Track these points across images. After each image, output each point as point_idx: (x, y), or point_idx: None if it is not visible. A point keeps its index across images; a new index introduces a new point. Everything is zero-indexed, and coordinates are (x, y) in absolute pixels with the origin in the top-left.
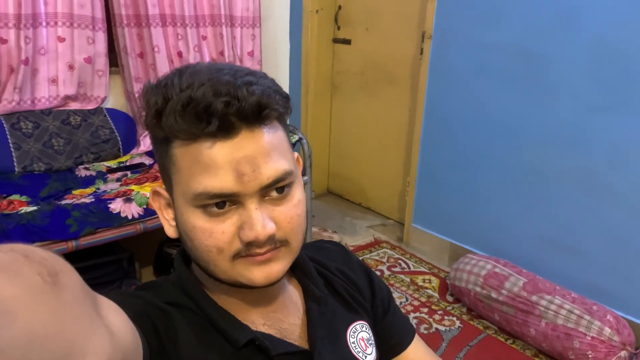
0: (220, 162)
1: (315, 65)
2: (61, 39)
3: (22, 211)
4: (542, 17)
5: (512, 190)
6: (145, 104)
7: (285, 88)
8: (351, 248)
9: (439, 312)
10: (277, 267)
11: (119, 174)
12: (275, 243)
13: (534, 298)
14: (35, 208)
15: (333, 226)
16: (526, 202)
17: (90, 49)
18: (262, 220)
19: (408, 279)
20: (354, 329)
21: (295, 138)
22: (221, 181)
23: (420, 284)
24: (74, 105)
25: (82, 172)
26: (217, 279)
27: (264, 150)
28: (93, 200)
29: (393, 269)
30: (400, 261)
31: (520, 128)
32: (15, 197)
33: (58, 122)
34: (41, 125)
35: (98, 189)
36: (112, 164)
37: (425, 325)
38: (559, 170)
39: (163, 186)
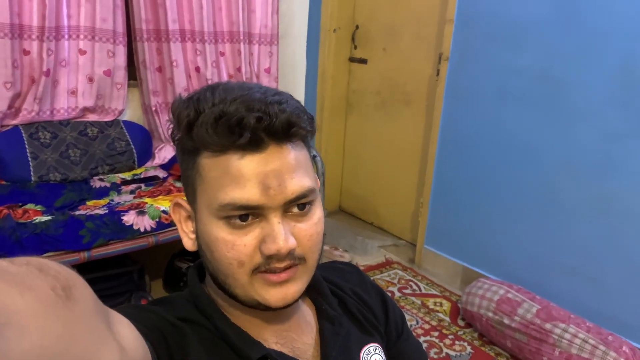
0: (247, 174)
1: (331, 83)
2: (82, 52)
3: (37, 220)
4: (564, 41)
5: (528, 215)
6: (175, 116)
7: None
8: (362, 268)
9: (450, 337)
10: (294, 288)
11: (132, 186)
12: (294, 259)
13: (548, 326)
14: (49, 218)
15: (344, 245)
16: (542, 227)
17: (110, 62)
18: (284, 234)
19: (419, 302)
20: (367, 350)
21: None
22: (248, 193)
23: (432, 307)
24: (91, 117)
25: (96, 183)
26: (233, 295)
27: (290, 167)
28: (107, 211)
29: (404, 291)
30: (411, 283)
31: (539, 152)
32: (30, 206)
33: (75, 133)
34: (59, 135)
35: (112, 200)
36: (127, 176)
37: (436, 350)
38: (578, 196)
39: (184, 198)
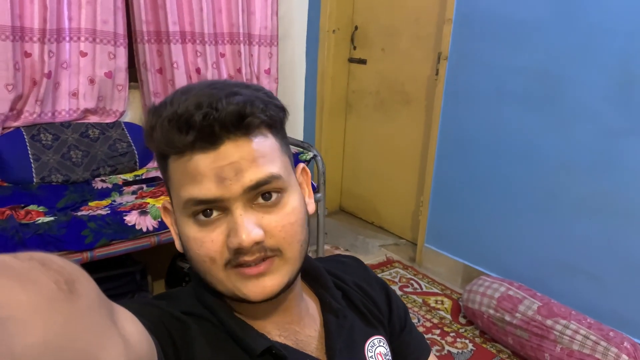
0: (203, 171)
1: (330, 84)
2: (83, 54)
3: (40, 221)
4: (562, 40)
5: (528, 213)
6: (144, 125)
7: (301, 106)
8: None
9: (452, 334)
10: (272, 281)
11: (134, 187)
12: (265, 251)
13: (549, 322)
14: (52, 218)
15: (345, 244)
16: (542, 225)
17: (111, 63)
18: (246, 227)
19: (420, 300)
20: (371, 343)
21: (309, 155)
22: (204, 187)
23: (433, 305)
24: (93, 119)
25: (98, 184)
26: (217, 291)
27: (249, 157)
28: (109, 212)
29: (405, 289)
30: (412, 281)
31: (538, 151)
32: (33, 207)
33: (77, 134)
34: (60, 137)
35: (114, 201)
36: (129, 177)
37: (438, 347)
38: (577, 194)
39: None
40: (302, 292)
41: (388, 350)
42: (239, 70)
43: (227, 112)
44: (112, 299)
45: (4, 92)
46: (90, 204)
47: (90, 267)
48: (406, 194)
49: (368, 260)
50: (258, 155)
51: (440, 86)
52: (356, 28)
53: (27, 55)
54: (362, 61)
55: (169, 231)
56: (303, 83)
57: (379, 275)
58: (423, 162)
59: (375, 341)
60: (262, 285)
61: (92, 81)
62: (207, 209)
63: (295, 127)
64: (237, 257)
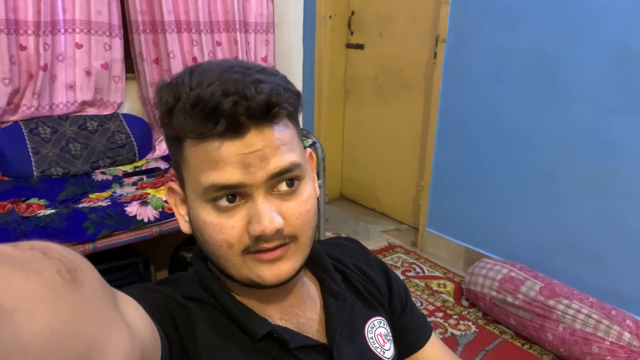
0: (227, 158)
1: (328, 70)
2: (79, 46)
3: (41, 214)
4: (559, 20)
5: (528, 194)
6: (158, 102)
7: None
8: None
9: (454, 317)
10: (287, 265)
11: (134, 178)
12: (284, 239)
13: (551, 302)
14: (53, 211)
15: (347, 231)
16: (542, 206)
17: (107, 55)
18: (269, 214)
19: (423, 284)
20: (372, 324)
21: (308, 142)
22: (228, 174)
23: (435, 288)
24: (90, 111)
25: (98, 176)
26: (229, 275)
27: (273, 146)
28: (110, 203)
29: (407, 274)
30: (414, 266)
31: (536, 132)
32: (33, 200)
33: (75, 127)
34: (59, 130)
35: (114, 192)
36: (128, 168)
37: (441, 330)
38: (576, 174)
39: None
40: (302, 276)
41: (389, 330)
42: (236, 58)
43: (256, 101)
44: (116, 289)
45: (0, 87)
46: (90, 195)
47: (93, 258)
48: (406, 179)
49: (370, 245)
50: (280, 144)
51: (438, 69)
52: (353, 13)
53: (23, 48)
54: (360, 46)
55: (171, 221)
56: (300, 70)
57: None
58: (423, 146)
59: (376, 322)
60: (277, 269)
61: (88, 73)
62: (228, 195)
63: None
64: (257, 244)
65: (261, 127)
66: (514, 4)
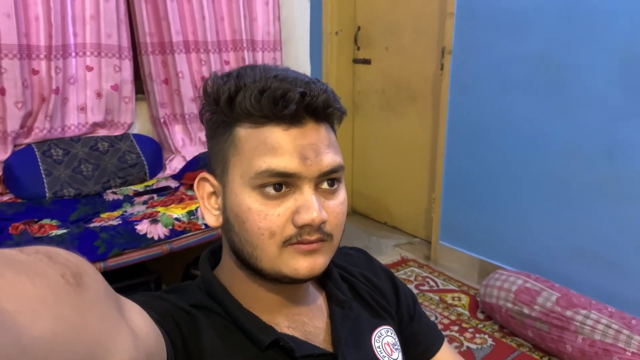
0: (286, 145)
1: (336, 85)
2: (89, 68)
3: (53, 234)
4: (565, 25)
5: (541, 203)
6: (212, 91)
7: None
8: None
9: (470, 330)
10: (321, 260)
11: (145, 197)
12: (323, 234)
13: (569, 313)
14: (65, 231)
15: (359, 245)
16: (556, 214)
17: (117, 76)
18: (318, 205)
19: (437, 297)
20: (378, 333)
21: None
22: (286, 161)
23: (450, 302)
24: (102, 132)
25: (110, 196)
26: (259, 269)
27: (325, 143)
28: (120, 222)
29: (421, 288)
30: (428, 279)
31: (547, 139)
32: (46, 221)
33: (87, 148)
34: (71, 151)
35: (125, 211)
36: (139, 187)
37: (456, 344)
38: (589, 180)
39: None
40: (310, 284)
41: (397, 340)
42: None
43: (320, 98)
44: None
45: (14, 110)
46: (102, 215)
47: (105, 277)
48: (418, 192)
49: (382, 260)
50: (330, 144)
51: (445, 80)
52: (359, 28)
53: (35, 72)
54: (367, 61)
55: (181, 239)
56: None
57: (395, 274)
58: (433, 158)
59: (383, 331)
60: (313, 262)
61: (99, 95)
62: (279, 183)
63: None
64: (301, 234)
65: (317, 123)
66: (518, 11)
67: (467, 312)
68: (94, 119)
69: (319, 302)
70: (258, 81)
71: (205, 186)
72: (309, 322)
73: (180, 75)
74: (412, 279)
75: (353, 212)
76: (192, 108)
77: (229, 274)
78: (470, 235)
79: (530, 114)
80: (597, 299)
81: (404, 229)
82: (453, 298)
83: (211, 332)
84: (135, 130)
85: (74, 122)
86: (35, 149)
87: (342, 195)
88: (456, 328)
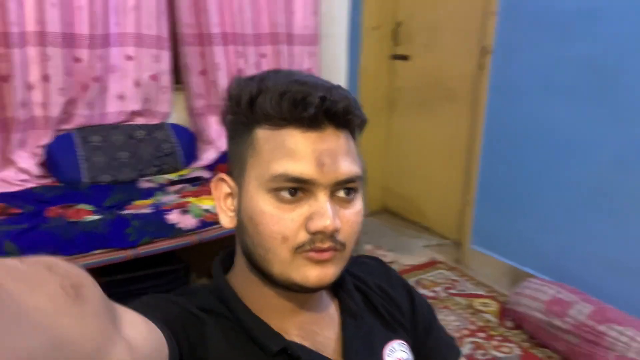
0: (303, 150)
1: (372, 81)
2: (129, 58)
3: (87, 219)
4: (621, 28)
5: (580, 212)
6: (234, 93)
7: None
8: (405, 268)
9: (497, 338)
10: (332, 270)
11: (178, 187)
12: (336, 243)
13: (602, 328)
14: (98, 217)
15: (388, 245)
16: (595, 224)
17: (155, 66)
18: (332, 213)
19: (465, 302)
20: (391, 347)
21: None
22: (302, 166)
23: (478, 307)
24: (139, 120)
25: (144, 184)
26: (270, 274)
27: (343, 150)
28: (152, 211)
29: (449, 291)
30: (457, 283)
31: (589, 146)
32: (82, 206)
33: (124, 136)
34: (109, 139)
35: (158, 200)
36: (173, 176)
37: (482, 352)
38: (631, 191)
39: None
40: (324, 292)
41: (410, 355)
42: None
43: (340, 103)
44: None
45: (56, 97)
46: (135, 202)
47: (135, 264)
48: (451, 193)
49: (411, 261)
50: (349, 151)
51: (484, 81)
52: (398, 24)
53: (77, 60)
54: (405, 57)
55: (211, 229)
56: (344, 81)
57: (423, 276)
58: (468, 159)
59: (395, 345)
60: (323, 272)
61: (138, 84)
62: (294, 188)
63: None
64: (314, 241)
65: (337, 129)
66: (567, 11)
67: (495, 319)
68: (132, 108)
69: (331, 311)
70: (280, 84)
71: (222, 187)
72: (320, 331)
73: (217, 67)
74: (440, 281)
75: (384, 210)
76: None
77: (241, 277)
78: (503, 240)
79: (574, 120)
80: (634, 314)
81: (435, 229)
82: (482, 304)
83: (219, 337)
84: (172, 120)
85: (113, 110)
86: (75, 135)
87: (358, 205)
88: (483, 335)
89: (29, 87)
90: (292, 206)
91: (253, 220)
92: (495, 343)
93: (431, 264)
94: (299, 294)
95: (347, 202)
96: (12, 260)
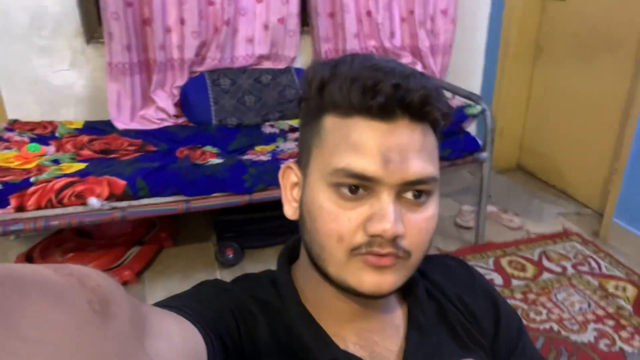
0: (369, 143)
1: (519, 24)
2: (259, 1)
3: (210, 163)
4: None
5: None
6: (310, 77)
7: (481, 49)
8: (533, 236)
9: (629, 329)
10: (391, 278)
11: (298, 134)
12: (398, 249)
13: None
14: (220, 161)
15: (517, 208)
16: None
17: (283, 9)
18: (394, 216)
19: (596, 283)
20: None
21: (477, 109)
22: (366, 162)
23: (611, 290)
24: (266, 64)
25: (267, 129)
26: (325, 272)
27: (416, 146)
28: (269, 159)
29: (579, 268)
30: (590, 259)
31: None
32: (208, 148)
33: (251, 80)
34: (237, 82)
35: (277, 147)
36: (295, 122)
37: (607, 341)
38: None
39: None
40: (390, 299)
41: None
42: (412, 12)
43: (415, 92)
44: (271, 237)
45: (190, 39)
46: (256, 148)
47: (249, 207)
48: (598, 157)
49: (540, 228)
50: (423, 148)
51: None
52: None
53: (210, 3)
54: None
55: None
56: (485, 25)
57: (551, 247)
58: (623, 122)
59: None
60: (380, 279)
61: (266, 27)
62: (355, 185)
63: (473, 74)
64: (371, 244)
65: (410, 121)
66: None
67: (629, 307)
68: (260, 51)
69: (397, 321)
70: (353, 70)
71: (290, 176)
72: (380, 342)
73: (346, 9)
74: (570, 255)
75: (518, 169)
76: (354, 44)
77: (303, 272)
78: None
79: None
80: None
81: (574, 196)
82: (616, 287)
83: (269, 334)
84: (298, 64)
85: (242, 54)
86: (207, 77)
87: (430, 210)
88: (612, 323)
89: (167, 30)
90: (352, 204)
91: (311, 214)
92: (625, 334)
93: (563, 235)
94: (359, 298)
95: (416, 205)
96: (46, 269)
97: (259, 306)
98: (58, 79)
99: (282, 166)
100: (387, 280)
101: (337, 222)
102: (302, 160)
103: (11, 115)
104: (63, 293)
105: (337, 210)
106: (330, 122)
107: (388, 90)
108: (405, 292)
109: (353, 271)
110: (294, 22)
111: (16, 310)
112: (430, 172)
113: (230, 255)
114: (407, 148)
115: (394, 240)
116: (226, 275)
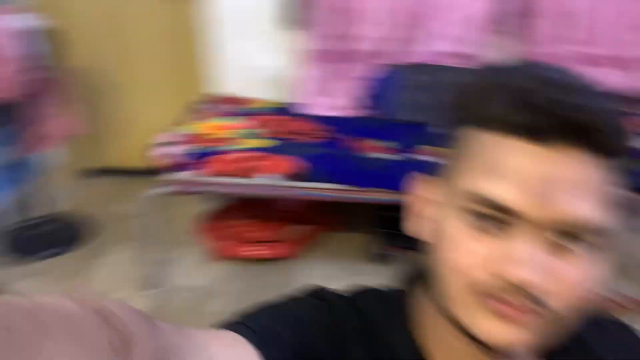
0: (517, 169)
1: None
2: None
3: (375, 157)
4: None
5: None
6: (465, 83)
7: None
8: None
9: None
10: (520, 335)
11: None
12: (537, 305)
13: None
14: (386, 157)
15: None
16: None
17: (481, 7)
18: (534, 266)
19: None
20: None
21: None
22: (508, 191)
23: None
24: (452, 62)
25: (439, 129)
26: (445, 309)
27: (584, 183)
28: (431, 160)
29: None
30: None
31: None
32: (378, 142)
33: (432, 77)
34: (433, 78)
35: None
36: None
37: None
38: None
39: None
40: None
41: None
42: None
43: (596, 114)
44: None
45: (385, 31)
46: (424, 148)
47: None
48: None
49: None
50: (592, 188)
51: None
52: None
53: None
54: None
55: None
56: None
57: None
58: None
59: None
60: (505, 331)
61: (459, 24)
62: (492, 215)
63: None
64: (499, 290)
65: (582, 151)
66: None
67: None
68: (448, 49)
69: None
70: (516, 80)
71: (428, 190)
72: None
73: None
74: None
75: None
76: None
77: (426, 302)
78: None
79: None
80: None
81: None
82: None
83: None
84: None
85: (429, 49)
86: (400, 72)
87: (589, 264)
88: None
89: (365, 21)
90: (484, 236)
91: (434, 238)
92: None
93: None
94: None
95: (569, 252)
96: (72, 304)
97: (361, 335)
98: (258, 60)
99: (422, 177)
100: (515, 336)
101: (462, 254)
102: (443, 175)
103: (212, 90)
104: (85, 331)
105: (465, 241)
106: (475, 138)
107: (548, 106)
108: (551, 354)
109: (478, 317)
110: (486, 22)
111: (34, 347)
112: (595, 218)
113: (389, 253)
114: (571, 182)
115: (531, 292)
116: (382, 271)
